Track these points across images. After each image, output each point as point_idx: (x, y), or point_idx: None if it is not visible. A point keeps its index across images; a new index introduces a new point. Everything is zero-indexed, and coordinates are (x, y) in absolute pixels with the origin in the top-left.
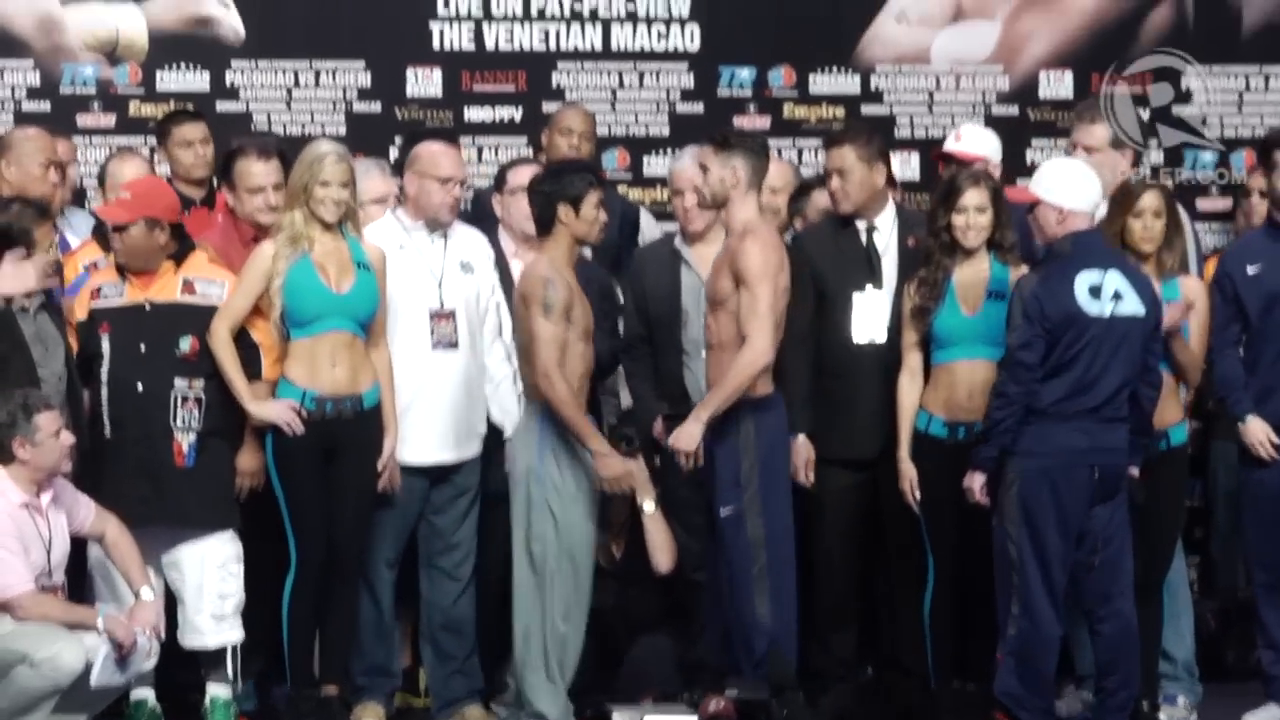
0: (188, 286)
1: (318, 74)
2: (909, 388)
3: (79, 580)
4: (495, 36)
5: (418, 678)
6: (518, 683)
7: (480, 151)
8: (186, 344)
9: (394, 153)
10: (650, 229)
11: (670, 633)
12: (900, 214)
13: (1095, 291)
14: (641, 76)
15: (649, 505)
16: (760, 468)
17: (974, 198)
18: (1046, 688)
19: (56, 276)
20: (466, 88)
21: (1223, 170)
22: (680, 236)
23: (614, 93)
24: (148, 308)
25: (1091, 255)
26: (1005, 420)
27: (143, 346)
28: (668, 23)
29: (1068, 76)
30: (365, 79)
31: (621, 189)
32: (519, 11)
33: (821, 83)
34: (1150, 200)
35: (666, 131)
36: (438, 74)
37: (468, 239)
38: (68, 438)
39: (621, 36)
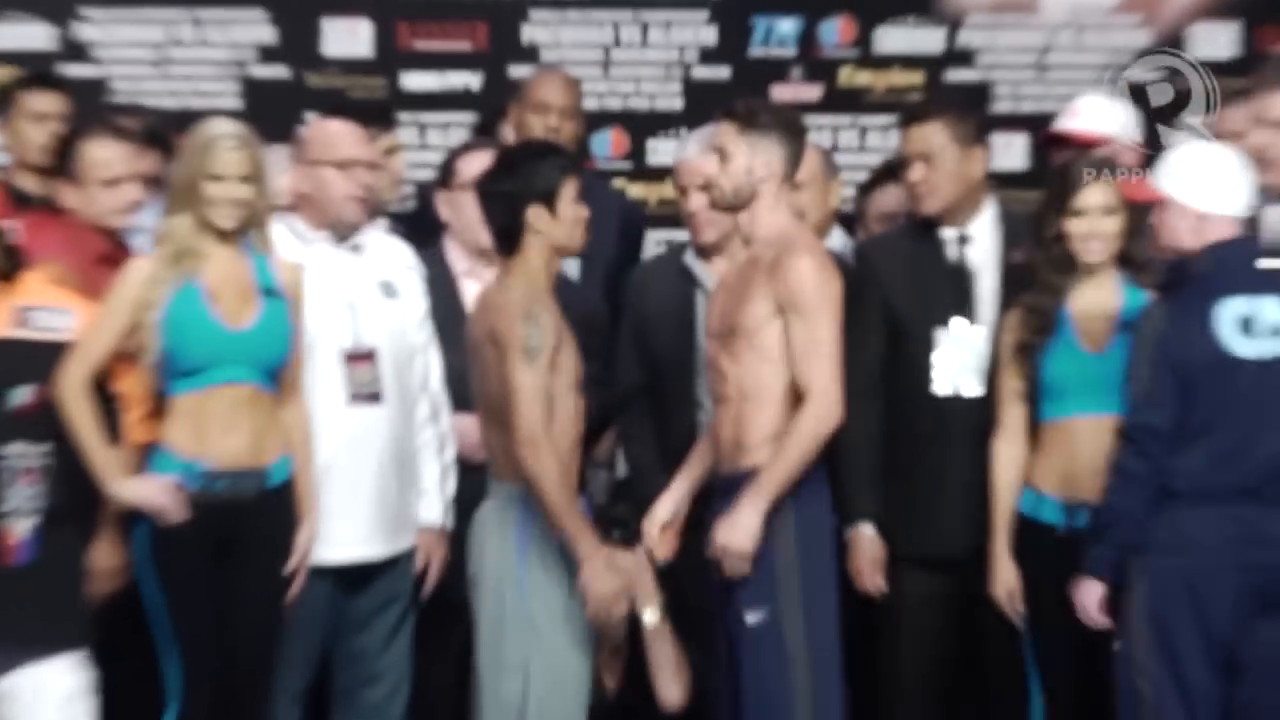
0: (19, 317)
1: (200, 26)
2: (1008, 455)
3: None
4: None
5: None
6: None
7: (423, 132)
8: (21, 396)
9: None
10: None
11: None
12: (1004, 218)
13: (1247, 326)
14: (645, 30)
15: (652, 616)
16: (802, 563)
17: (1097, 195)
18: None
19: None
20: (404, 46)
21: None
22: (691, 249)
23: (607, 53)
24: None
25: (1241, 276)
26: (1127, 508)
27: None
28: None
29: (1232, 30)
30: (267, 34)
31: (618, 183)
32: None
33: (892, 39)
34: None
35: (679, 105)
36: (365, 27)
37: (387, 252)
38: None
39: None
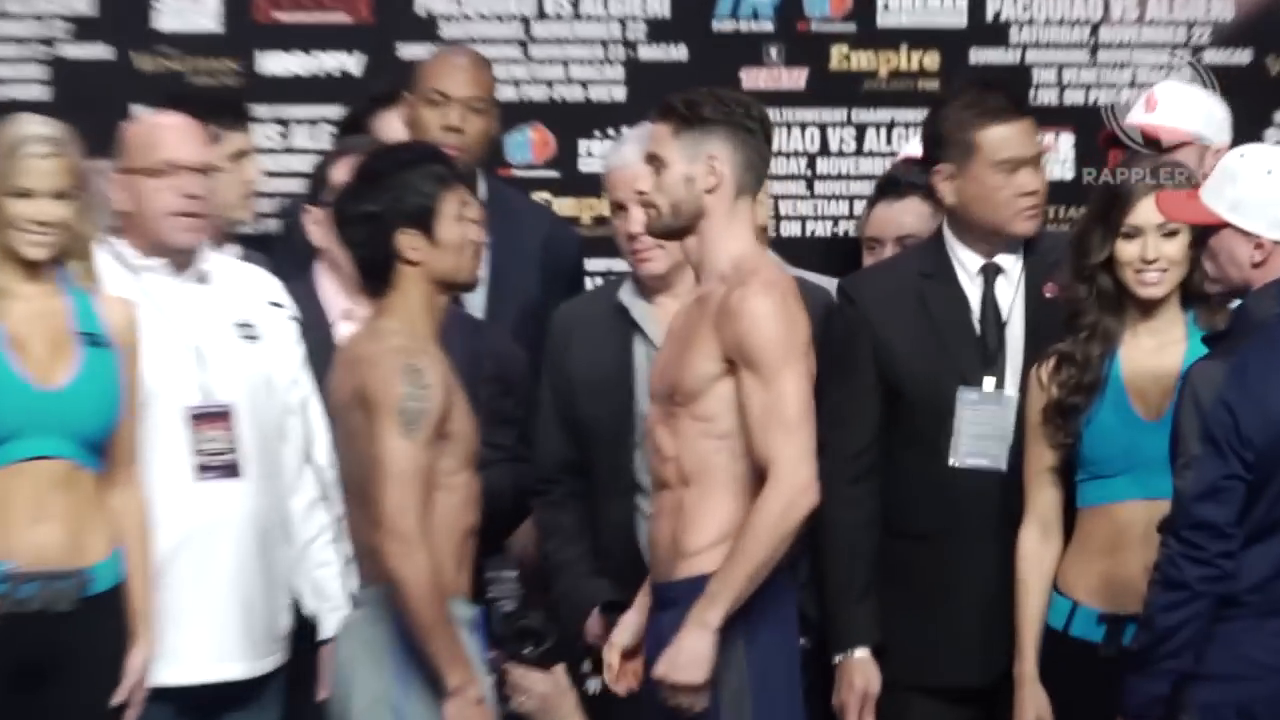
0: None
1: None
2: (1037, 551)
3: None
4: None
5: None
6: None
7: (285, 130)
8: None
9: None
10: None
11: None
12: (1041, 243)
13: None
14: None
15: None
16: (754, 695)
17: (1157, 211)
18: None
19: None
20: (262, 17)
21: None
22: (631, 283)
23: (528, 26)
24: None
25: None
26: (1180, 625)
27: None
28: None
29: None
30: (83, 4)
31: (541, 196)
32: None
33: (899, 9)
34: None
35: (622, 96)
36: None
37: (244, 283)
38: None
39: None
